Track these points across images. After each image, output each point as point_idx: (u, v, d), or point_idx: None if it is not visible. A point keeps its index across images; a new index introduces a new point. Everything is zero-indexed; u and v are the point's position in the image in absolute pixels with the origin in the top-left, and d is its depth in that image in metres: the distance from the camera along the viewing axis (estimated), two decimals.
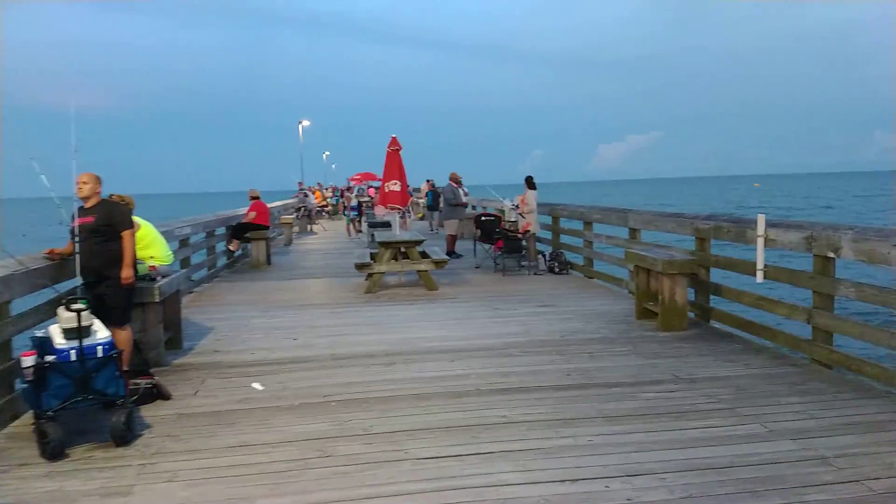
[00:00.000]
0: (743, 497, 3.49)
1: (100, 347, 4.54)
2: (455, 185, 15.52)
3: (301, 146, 45.30)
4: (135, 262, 5.81)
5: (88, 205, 5.66)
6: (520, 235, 12.20)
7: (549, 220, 13.29)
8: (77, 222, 5.54)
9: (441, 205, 18.11)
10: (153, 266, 6.58)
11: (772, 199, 78.38)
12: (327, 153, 77.82)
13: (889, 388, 5.11)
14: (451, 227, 15.16)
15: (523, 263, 12.33)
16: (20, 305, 5.37)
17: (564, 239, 13.04)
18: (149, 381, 5.33)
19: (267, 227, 14.64)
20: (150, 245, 6.72)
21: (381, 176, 12.66)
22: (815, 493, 3.52)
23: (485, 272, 12.26)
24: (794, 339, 6.27)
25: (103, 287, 5.54)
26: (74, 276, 5.39)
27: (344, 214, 26.86)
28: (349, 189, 35.71)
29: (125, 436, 4.41)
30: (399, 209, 12.21)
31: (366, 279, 10.68)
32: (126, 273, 5.58)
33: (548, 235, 13.51)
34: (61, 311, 4.55)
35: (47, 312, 5.49)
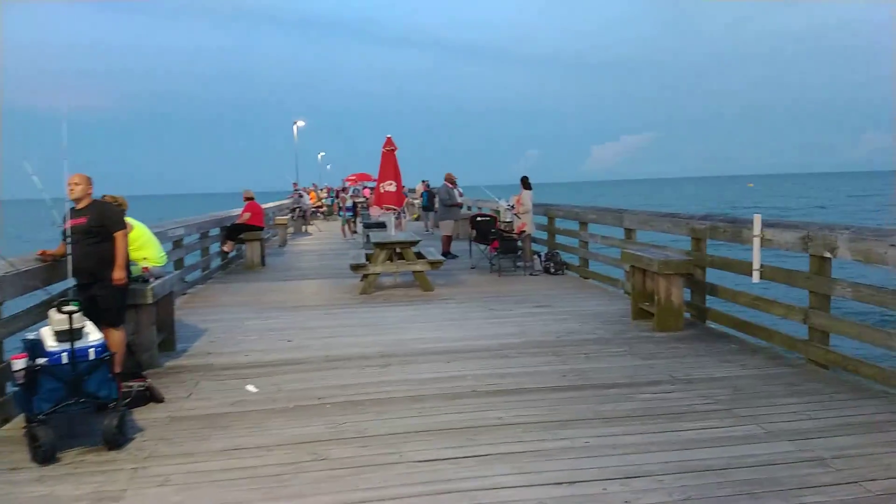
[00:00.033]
0: (741, 499, 3.47)
1: (92, 350, 4.49)
2: (450, 186, 15.49)
3: (296, 147, 45.24)
4: (127, 263, 5.77)
5: (80, 206, 5.60)
6: (515, 236, 12.18)
7: (544, 220, 13.27)
8: (69, 224, 5.48)
9: (436, 205, 18.09)
10: (146, 267, 6.53)
11: (766, 198, 78.61)
12: (322, 154, 77.73)
13: (886, 388, 5.09)
14: (446, 227, 15.13)
15: (519, 264, 12.31)
16: (11, 307, 5.31)
17: (560, 239, 13.03)
18: (141, 383, 5.27)
19: (261, 228, 14.58)
20: (143, 246, 6.67)
21: (376, 176, 12.62)
22: (812, 494, 3.50)
23: (480, 273, 12.24)
24: (791, 339, 6.25)
25: (97, 288, 5.49)
26: (66, 277, 5.35)
27: (339, 215, 26.80)
28: (344, 189, 35.64)
29: (117, 439, 4.36)
30: (394, 210, 12.17)
31: (361, 280, 10.64)
32: (118, 274, 5.53)
33: (543, 236, 13.49)
34: (53, 313, 4.50)
35: (39, 314, 5.44)
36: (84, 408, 4.49)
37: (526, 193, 12.27)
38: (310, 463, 4.05)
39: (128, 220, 6.19)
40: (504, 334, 7.27)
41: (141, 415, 4.97)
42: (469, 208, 20.06)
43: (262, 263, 14.26)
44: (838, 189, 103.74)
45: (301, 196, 28.22)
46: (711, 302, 7.76)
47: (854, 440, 4.16)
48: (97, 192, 6.37)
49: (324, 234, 23.78)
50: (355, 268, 10.56)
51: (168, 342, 6.89)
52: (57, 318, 4.45)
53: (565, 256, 12.41)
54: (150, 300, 6.14)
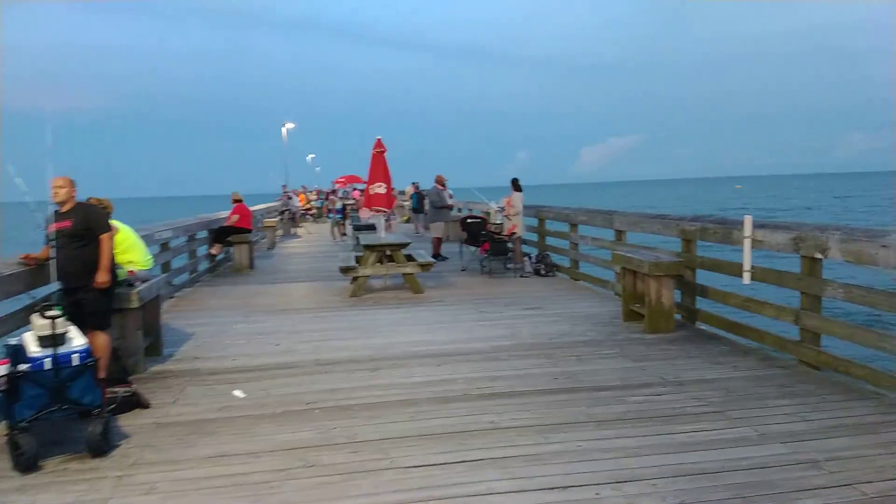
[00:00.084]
0: (735, 503, 3.44)
1: (75, 355, 4.40)
2: (440, 188, 15.45)
3: (285, 149, 45.08)
4: (113, 266, 5.68)
5: (65, 209, 5.51)
6: (506, 238, 12.14)
7: (534, 222, 13.25)
8: (54, 227, 5.39)
9: (426, 207, 18.04)
10: (132, 271, 6.44)
11: (754, 200, 79.11)
12: (312, 156, 77.46)
13: (877, 389, 5.09)
14: (436, 229, 15.09)
15: (509, 266, 12.28)
16: None
17: (550, 241, 13.01)
18: (127, 389, 5.19)
19: (250, 231, 14.47)
20: (128, 249, 6.58)
21: (365, 178, 12.55)
22: (807, 497, 3.47)
23: (471, 275, 12.19)
24: (782, 340, 6.25)
25: (82, 292, 5.41)
26: (50, 281, 5.26)
27: (328, 217, 26.70)
28: (334, 192, 35.53)
29: (101, 446, 4.28)
30: (384, 212, 12.11)
31: (350, 283, 10.57)
32: (102, 277, 5.44)
33: (534, 237, 13.47)
34: (35, 318, 4.42)
35: (22, 319, 5.34)
36: (67, 414, 4.41)
37: (516, 195, 12.25)
38: (299, 469, 3.98)
39: (113, 222, 6.10)
40: (495, 337, 7.22)
41: (126, 421, 4.88)
42: (459, 210, 20.03)
43: (251, 266, 14.15)
44: (825, 190, 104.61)
45: (290, 198, 28.09)
46: (702, 303, 7.75)
47: (847, 442, 4.14)
48: (87, 195, 6.29)
49: (313, 237, 23.67)
50: (345, 270, 10.49)
51: (154, 347, 6.79)
52: (39, 324, 4.37)
53: (556, 258, 12.39)
54: (135, 304, 6.05)
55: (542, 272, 11.98)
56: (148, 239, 8.78)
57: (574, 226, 11.58)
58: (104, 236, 5.56)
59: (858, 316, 10.39)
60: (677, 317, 7.56)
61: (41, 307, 4.45)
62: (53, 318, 4.35)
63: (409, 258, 10.95)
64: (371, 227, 14.87)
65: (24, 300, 5.42)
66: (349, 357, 6.51)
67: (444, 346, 6.85)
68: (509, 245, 12.11)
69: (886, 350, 5.11)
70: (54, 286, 5.27)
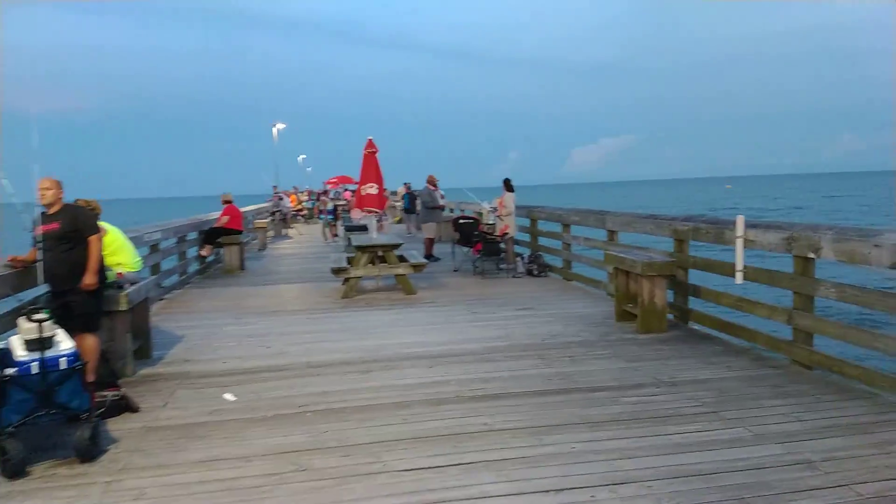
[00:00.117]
0: None
1: (63, 359, 4.34)
2: (432, 188, 15.41)
3: (275, 149, 44.91)
4: (101, 268, 5.61)
5: (52, 211, 5.44)
6: (498, 238, 12.12)
7: (527, 222, 13.23)
8: (41, 229, 5.32)
9: (418, 208, 17.99)
10: (121, 273, 6.38)
11: (744, 200, 79.50)
12: (303, 156, 77.31)
13: (871, 389, 5.08)
14: (428, 230, 15.05)
15: (502, 266, 12.26)
16: None
17: (543, 241, 12.99)
18: (116, 392, 5.13)
19: (240, 232, 14.39)
20: (117, 251, 6.51)
21: (357, 179, 12.50)
22: (803, 499, 3.46)
23: (463, 275, 12.16)
24: (774, 340, 6.24)
25: (71, 294, 5.34)
26: (37, 284, 5.19)
27: (320, 218, 26.61)
28: (325, 192, 35.42)
29: (90, 451, 4.21)
30: (376, 212, 12.06)
31: (342, 284, 10.51)
32: (89, 279, 5.37)
33: (526, 238, 13.45)
34: (22, 321, 4.34)
35: (9, 322, 5.25)
36: (55, 419, 4.34)
37: (508, 195, 12.23)
38: (291, 474, 3.93)
39: (101, 224, 6.04)
40: (488, 338, 7.19)
41: (115, 425, 4.81)
42: (452, 211, 20.00)
43: (242, 268, 14.07)
44: (815, 190, 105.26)
45: (281, 199, 27.97)
46: (694, 303, 7.75)
47: (842, 442, 4.13)
48: (77, 196, 6.22)
49: (304, 238, 23.57)
50: (336, 271, 10.44)
51: (143, 349, 6.72)
52: (26, 327, 4.29)
53: (548, 258, 12.38)
54: (124, 307, 5.98)
55: (535, 272, 11.96)
56: (137, 240, 8.70)
57: (566, 226, 11.56)
58: (92, 238, 5.50)
59: (843, 315, 10.42)
60: (670, 317, 7.55)
61: (28, 310, 4.38)
62: (40, 321, 4.28)
63: (402, 259, 10.90)
64: (363, 228, 14.81)
65: (10, 303, 5.34)
66: (341, 359, 6.46)
67: (437, 348, 6.81)
68: (502, 245, 12.08)
69: (879, 349, 5.11)
70: (41, 289, 5.19)
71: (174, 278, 11.90)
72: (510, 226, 12.19)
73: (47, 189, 5.39)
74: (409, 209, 22.11)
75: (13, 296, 5.39)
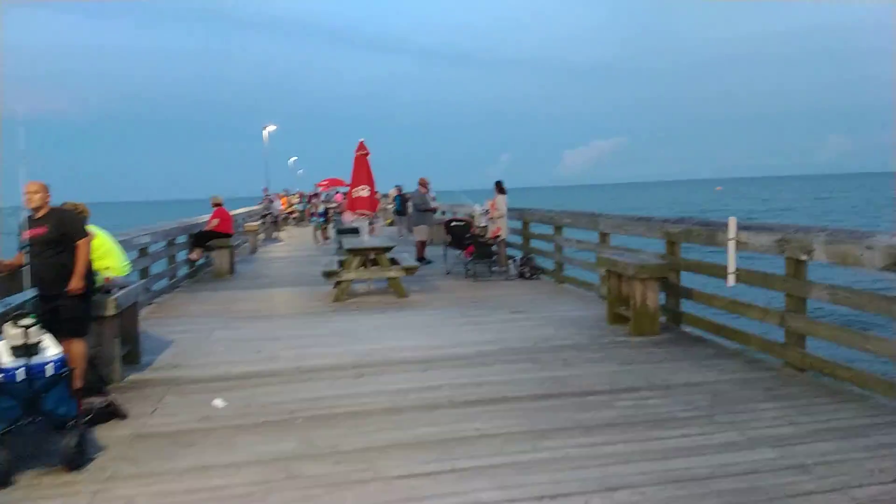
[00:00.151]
0: None
1: (50, 365, 4.28)
2: (423, 191, 15.37)
3: (266, 151, 44.72)
4: (90, 272, 5.54)
5: (39, 215, 5.37)
6: (490, 241, 12.09)
7: (519, 224, 13.21)
8: (28, 234, 5.25)
9: (409, 210, 17.94)
10: (109, 277, 6.30)
11: (734, 201, 79.90)
12: (294, 158, 77.05)
13: (863, 391, 5.08)
14: (420, 232, 15.00)
15: (494, 269, 12.22)
16: None
17: (535, 244, 12.97)
18: (103, 399, 5.06)
19: (230, 235, 14.29)
20: (105, 255, 6.42)
21: (348, 181, 12.45)
22: (798, 503, 3.44)
23: (455, 278, 12.12)
24: (767, 342, 6.23)
25: (60, 299, 5.27)
26: (23, 289, 5.11)
27: (311, 221, 26.51)
28: (316, 195, 35.30)
29: (77, 459, 4.15)
30: (368, 215, 12.01)
31: (334, 287, 10.45)
32: (75, 284, 5.30)
33: (518, 240, 13.43)
34: (7, 327, 4.27)
35: None
36: (41, 427, 4.27)
37: (500, 198, 12.20)
38: (281, 482, 3.88)
39: (90, 227, 5.96)
40: (481, 341, 7.15)
41: (103, 432, 4.73)
42: (444, 213, 19.96)
43: (232, 271, 13.98)
44: (804, 191, 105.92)
45: (272, 201, 27.86)
46: (686, 306, 7.74)
47: (835, 446, 4.12)
48: (64, 200, 6.14)
49: (295, 241, 23.48)
50: (328, 275, 10.38)
51: (132, 355, 6.64)
52: (12, 333, 4.23)
53: (540, 261, 12.36)
54: (112, 311, 5.91)
55: (527, 275, 11.94)
56: (126, 244, 8.62)
57: (558, 228, 11.55)
58: (81, 242, 5.43)
59: (837, 317, 10.46)
60: (662, 319, 7.53)
61: (14, 315, 4.31)
62: (27, 327, 4.22)
63: (393, 262, 10.85)
64: (354, 231, 14.75)
65: None
66: (332, 364, 6.40)
67: (430, 352, 6.76)
68: (494, 248, 12.06)
69: (871, 351, 5.11)
70: (27, 294, 5.12)
71: (163, 282, 11.78)
72: (502, 228, 12.16)
73: (34, 193, 5.32)
74: (400, 211, 22.06)
75: None
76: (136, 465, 4.19)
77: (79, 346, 5.38)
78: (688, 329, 7.48)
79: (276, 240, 24.18)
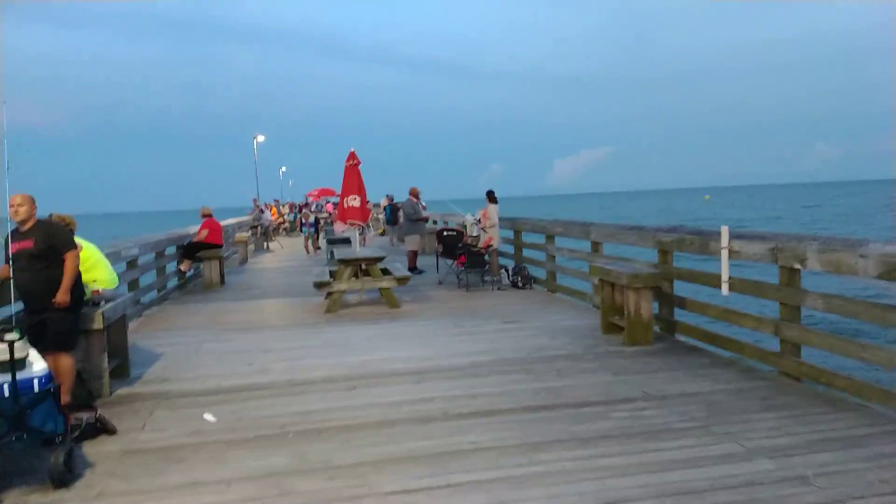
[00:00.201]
0: None
1: (36, 381, 4.20)
2: (414, 200, 15.33)
3: (256, 162, 44.54)
4: (77, 284, 5.46)
5: (26, 228, 5.29)
6: (482, 250, 12.06)
7: (510, 234, 13.19)
8: (15, 247, 5.16)
9: (400, 220, 17.91)
10: (97, 290, 6.21)
11: (722, 210, 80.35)
12: (284, 168, 76.72)
13: (860, 400, 5.05)
14: (412, 242, 14.94)
15: (486, 278, 12.18)
16: None
17: (527, 253, 12.95)
18: (92, 414, 4.95)
19: (220, 246, 14.17)
20: (93, 267, 6.34)
21: (339, 191, 12.39)
22: None
23: (448, 288, 12.06)
24: (762, 351, 6.21)
25: (48, 312, 5.19)
26: (9, 303, 5.02)
27: (301, 231, 26.39)
28: (307, 205, 35.21)
29: (64, 476, 4.05)
30: (359, 225, 11.95)
31: (325, 298, 10.37)
32: (61, 297, 5.22)
33: (510, 250, 13.40)
34: None
35: None
36: (28, 444, 4.18)
37: (492, 207, 12.19)
38: (273, 498, 3.80)
39: (77, 240, 5.88)
40: (474, 352, 7.09)
41: (91, 448, 4.64)
42: (435, 223, 19.92)
43: (222, 282, 13.86)
44: (792, 199, 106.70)
45: (262, 212, 27.73)
46: (680, 315, 7.72)
47: (834, 456, 4.08)
48: (50, 212, 6.06)
49: (286, 251, 23.36)
50: (319, 285, 10.30)
51: (121, 369, 6.54)
52: None
53: (533, 270, 12.33)
54: (100, 325, 5.81)
55: (519, 284, 11.90)
56: (115, 256, 8.52)
57: (550, 237, 11.53)
58: (69, 255, 5.36)
59: (825, 325, 10.48)
60: (656, 329, 7.51)
61: None
62: (12, 341, 4.13)
63: (385, 272, 10.80)
64: (346, 241, 14.68)
65: None
66: (324, 376, 6.33)
67: (423, 363, 6.70)
68: (486, 257, 12.02)
69: (866, 360, 5.09)
70: (13, 308, 5.03)
71: (152, 294, 11.66)
72: (494, 237, 12.14)
73: (20, 205, 5.25)
74: (391, 221, 22.01)
75: None
76: (126, 481, 4.11)
77: (67, 360, 5.29)
78: (682, 338, 7.46)
79: (267, 250, 24.05)
